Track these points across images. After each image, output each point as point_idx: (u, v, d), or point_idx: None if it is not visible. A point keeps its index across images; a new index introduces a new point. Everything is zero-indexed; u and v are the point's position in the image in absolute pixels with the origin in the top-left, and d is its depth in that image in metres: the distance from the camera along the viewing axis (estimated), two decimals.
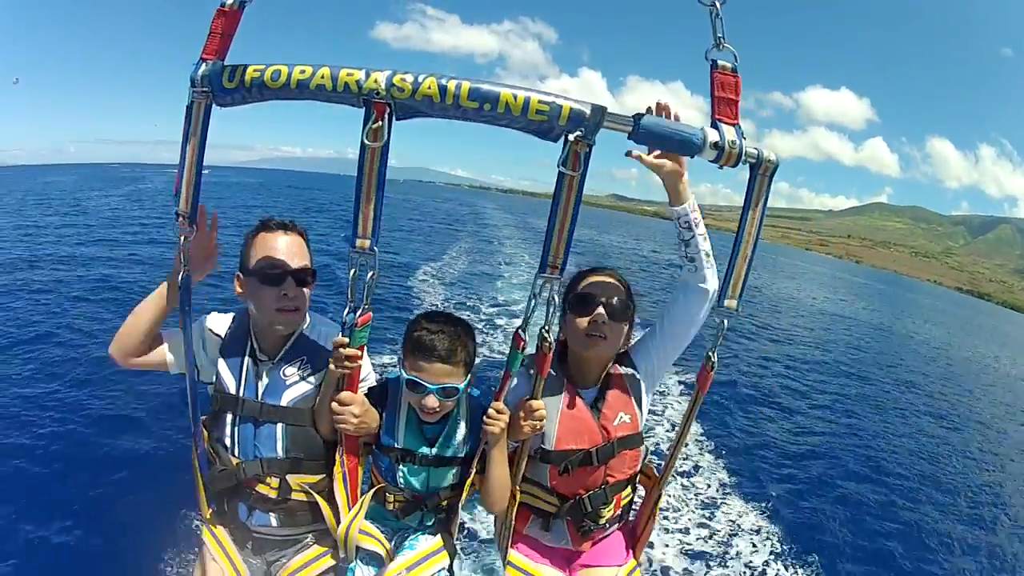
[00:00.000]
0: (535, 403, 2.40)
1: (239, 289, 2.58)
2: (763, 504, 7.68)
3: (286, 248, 2.50)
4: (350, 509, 2.51)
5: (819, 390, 15.35)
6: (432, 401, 2.39)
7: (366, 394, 2.52)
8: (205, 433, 2.63)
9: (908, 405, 16.29)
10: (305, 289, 2.53)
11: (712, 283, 2.44)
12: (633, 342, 2.74)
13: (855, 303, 48.41)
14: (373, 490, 2.62)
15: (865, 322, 35.46)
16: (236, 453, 2.56)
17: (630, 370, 2.67)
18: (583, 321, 2.53)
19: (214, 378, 2.61)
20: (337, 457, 2.49)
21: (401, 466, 2.55)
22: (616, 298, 2.53)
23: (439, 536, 2.68)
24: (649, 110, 2.12)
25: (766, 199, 2.25)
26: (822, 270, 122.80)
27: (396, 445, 2.54)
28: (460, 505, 2.70)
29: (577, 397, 2.61)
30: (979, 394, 20.58)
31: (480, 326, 16.76)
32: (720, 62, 2.13)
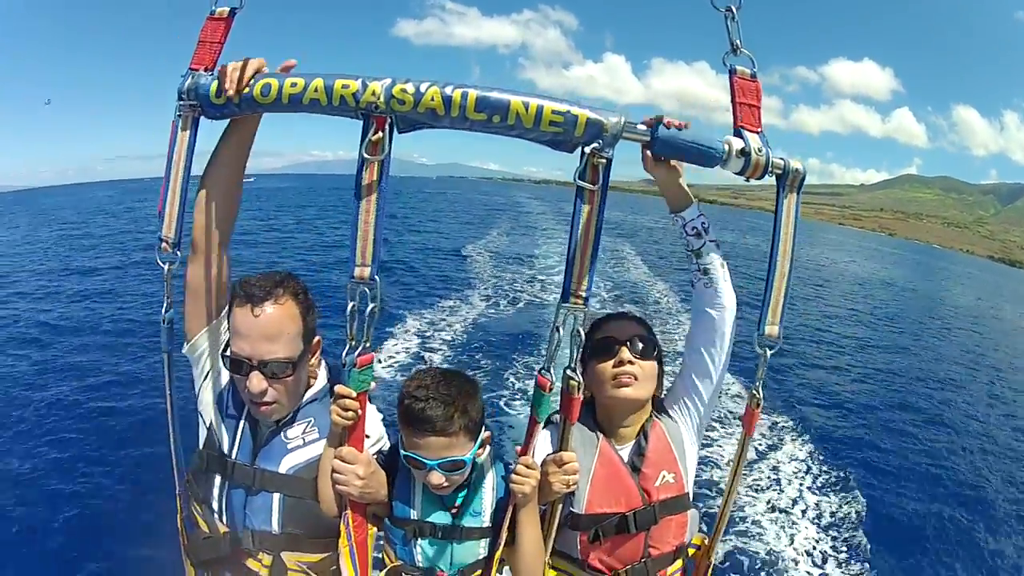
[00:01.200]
0: (566, 455, 2.15)
1: None
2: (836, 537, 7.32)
3: (256, 329, 2.08)
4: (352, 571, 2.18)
5: (866, 371, 16.01)
6: (436, 478, 2.10)
7: (382, 453, 2.35)
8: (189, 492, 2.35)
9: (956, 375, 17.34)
10: (279, 384, 2.15)
11: (731, 295, 2.28)
12: (664, 391, 2.52)
13: (893, 274, 50.91)
14: (386, 571, 2.28)
15: (905, 294, 37.88)
16: (224, 520, 2.26)
17: (670, 421, 2.44)
18: (607, 366, 2.33)
19: (207, 423, 2.31)
20: (342, 529, 2.15)
21: (419, 541, 2.24)
22: (638, 337, 2.36)
23: None
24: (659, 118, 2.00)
25: (797, 211, 2.13)
26: (858, 243, 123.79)
27: (412, 516, 2.23)
28: None
29: (613, 453, 2.38)
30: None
31: (529, 291, 18.58)
32: (739, 68, 2.09)
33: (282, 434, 2.27)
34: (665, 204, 2.29)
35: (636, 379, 2.31)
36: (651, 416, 2.43)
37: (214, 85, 1.95)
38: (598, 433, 2.41)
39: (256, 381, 2.09)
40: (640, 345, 2.35)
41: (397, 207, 47.22)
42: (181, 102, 1.99)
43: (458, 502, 2.26)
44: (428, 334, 13.65)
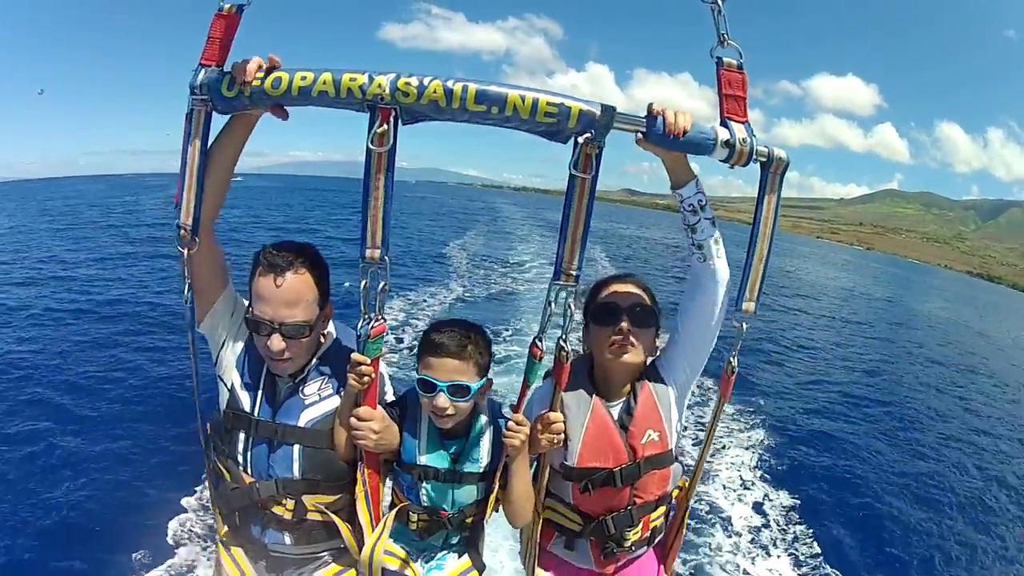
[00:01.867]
0: (552, 415, 2.36)
1: None
2: (789, 504, 8.17)
3: (278, 296, 2.31)
4: (373, 529, 2.45)
5: (834, 373, 16.91)
6: (442, 400, 2.35)
7: (390, 405, 2.54)
8: (213, 448, 2.59)
9: (921, 378, 18.64)
10: (296, 343, 2.37)
11: (724, 271, 2.38)
12: (658, 352, 2.65)
13: (865, 287, 52.22)
14: (395, 509, 2.54)
15: (873, 304, 39.66)
16: (249, 472, 2.48)
17: (659, 383, 2.59)
18: (607, 331, 2.50)
19: (229, 385, 2.50)
20: (358, 476, 2.44)
21: (424, 484, 2.50)
22: (639, 305, 2.52)
23: (467, 555, 2.65)
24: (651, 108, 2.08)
25: (779, 197, 2.27)
26: (833, 256, 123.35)
27: (418, 462, 2.49)
28: (485, 521, 2.66)
29: (604, 412, 2.55)
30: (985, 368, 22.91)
31: (501, 284, 20.50)
32: (725, 59, 2.16)
33: (299, 391, 2.47)
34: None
35: (633, 346, 2.49)
36: (641, 377, 2.60)
37: (226, 79, 2.03)
38: (592, 391, 2.59)
39: (276, 341, 2.32)
40: (640, 314, 2.51)
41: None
42: (194, 97, 2.08)
43: (458, 448, 2.52)
44: (413, 313, 15.42)
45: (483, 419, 2.57)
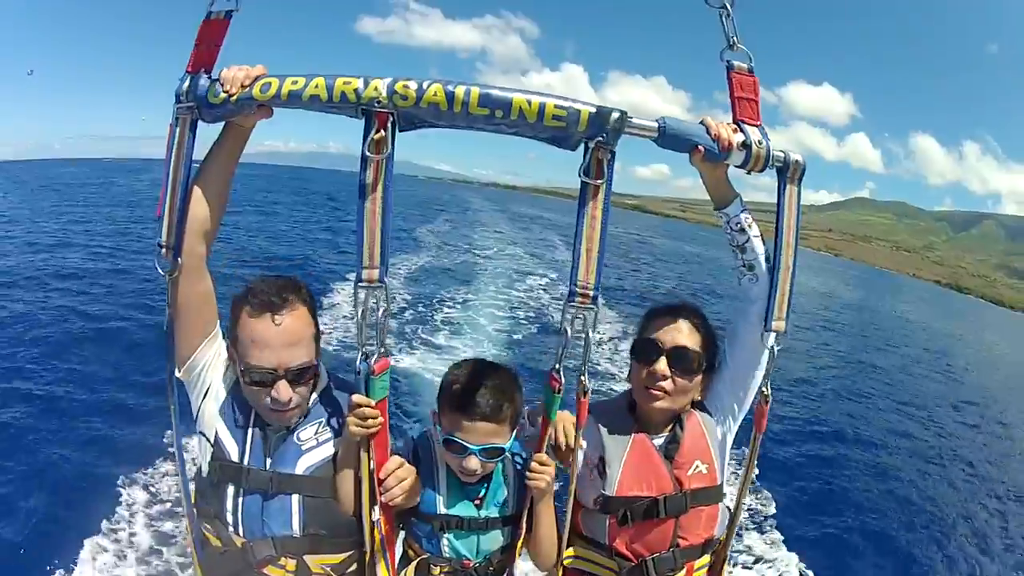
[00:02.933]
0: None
1: (235, 364, 2.24)
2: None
3: (278, 338, 2.12)
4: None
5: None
6: (474, 463, 2.23)
7: (400, 452, 2.37)
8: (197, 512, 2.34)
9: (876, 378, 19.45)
10: (302, 388, 2.22)
11: None
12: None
13: (821, 287, 53.26)
14: (414, 563, 2.39)
15: (835, 306, 40.52)
16: (240, 532, 2.24)
17: (706, 414, 2.48)
18: (643, 371, 2.37)
19: (212, 436, 2.27)
20: (376, 534, 2.23)
21: (446, 534, 2.35)
22: (685, 348, 2.35)
23: None
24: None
25: (799, 203, 2.20)
26: (800, 262, 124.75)
27: (439, 511, 2.34)
28: (513, 569, 2.54)
29: (647, 441, 2.41)
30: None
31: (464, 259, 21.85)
32: (736, 63, 2.12)
33: (294, 436, 2.27)
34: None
35: (668, 394, 2.34)
36: (687, 408, 2.45)
37: (212, 87, 1.95)
38: (633, 424, 2.45)
39: (284, 390, 2.13)
40: (682, 359, 2.34)
41: (339, 204, 50.15)
42: (179, 105, 1.98)
43: (481, 494, 2.37)
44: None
45: (506, 460, 2.40)
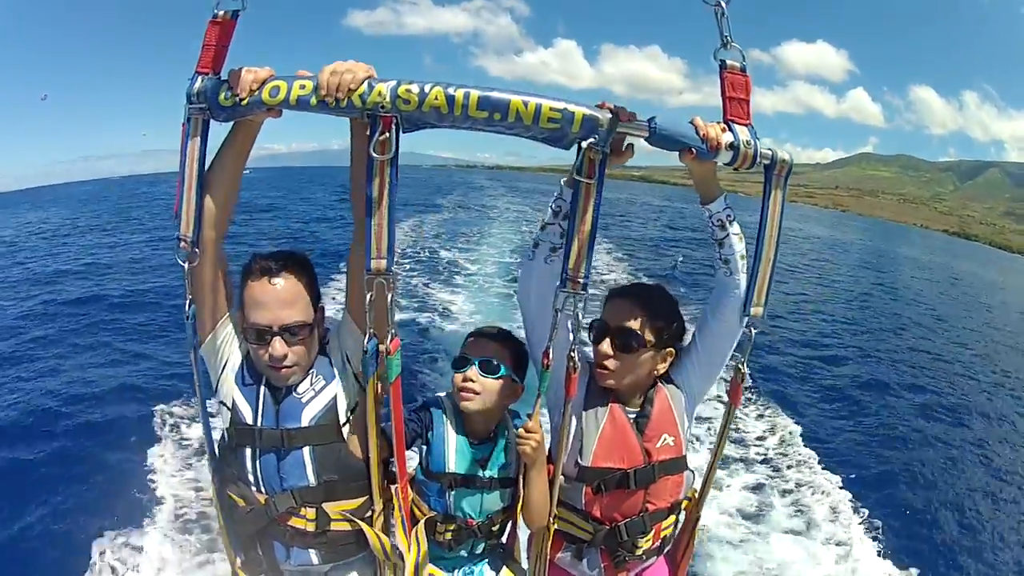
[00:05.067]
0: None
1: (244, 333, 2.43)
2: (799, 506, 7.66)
3: (274, 297, 2.32)
4: (408, 543, 2.43)
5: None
6: (472, 373, 2.48)
7: (414, 412, 2.59)
8: (221, 478, 2.52)
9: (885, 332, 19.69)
10: (299, 346, 2.37)
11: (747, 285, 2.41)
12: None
13: (840, 243, 56.33)
14: (422, 522, 2.52)
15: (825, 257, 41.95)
16: (262, 489, 2.42)
17: (674, 389, 2.64)
18: (593, 350, 2.58)
19: (230, 403, 2.45)
20: (395, 501, 2.45)
21: (452, 492, 2.55)
22: (627, 328, 2.50)
23: (505, 568, 2.77)
24: (652, 120, 2.11)
25: (784, 199, 2.32)
26: (806, 216, 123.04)
27: (447, 470, 2.53)
28: (516, 527, 2.73)
29: (622, 415, 2.57)
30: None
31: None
32: (729, 62, 2.19)
33: (293, 392, 2.42)
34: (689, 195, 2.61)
35: (611, 371, 2.51)
36: (655, 384, 2.62)
37: (223, 88, 2.04)
38: (609, 396, 2.59)
39: (279, 346, 2.31)
40: (623, 339, 2.49)
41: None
42: (191, 105, 2.09)
43: (484, 454, 2.58)
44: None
45: (509, 424, 2.64)
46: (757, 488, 7.98)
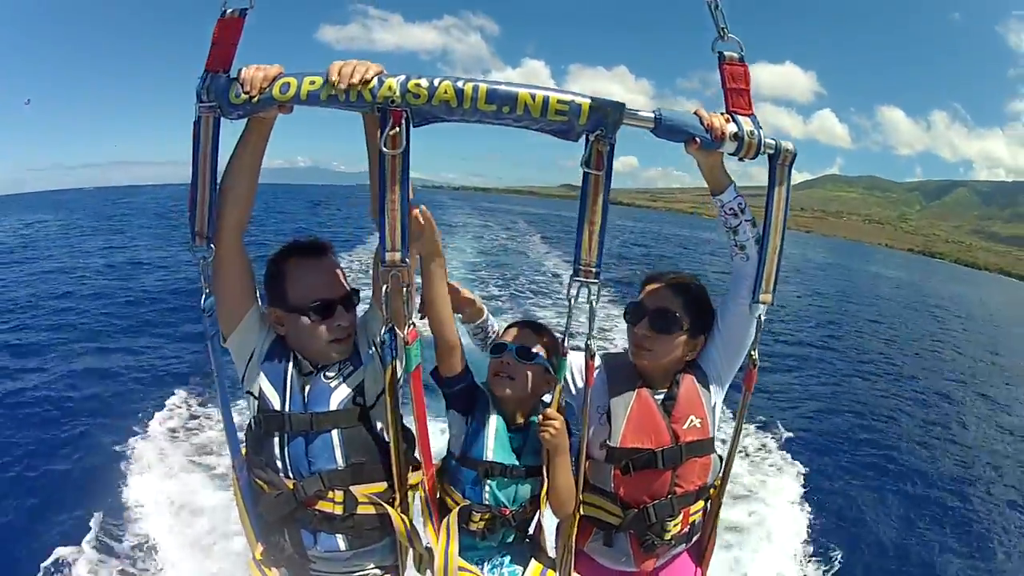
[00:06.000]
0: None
1: (278, 326, 2.47)
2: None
3: (327, 274, 2.43)
4: (436, 532, 2.45)
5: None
6: (507, 357, 2.51)
7: (453, 398, 2.55)
8: (249, 467, 2.50)
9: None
10: (353, 315, 2.48)
11: None
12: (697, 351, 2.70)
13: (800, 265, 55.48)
14: (455, 510, 2.50)
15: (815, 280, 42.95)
16: (290, 474, 2.41)
17: (700, 374, 2.65)
18: (631, 331, 2.62)
19: (257, 392, 2.43)
20: (421, 492, 2.49)
21: (489, 480, 2.50)
22: (665, 309, 2.56)
23: (534, 559, 2.67)
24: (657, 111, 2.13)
25: (788, 188, 2.34)
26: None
27: (485, 457, 2.49)
28: (542, 516, 2.69)
29: (648, 396, 2.59)
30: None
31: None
32: (727, 53, 2.20)
33: (320, 375, 2.44)
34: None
35: (650, 351, 2.57)
36: (683, 368, 2.65)
37: (233, 86, 2.03)
38: (638, 379, 2.63)
39: (343, 315, 2.41)
40: (663, 319, 2.55)
41: (320, 215, 52.69)
42: (201, 104, 2.07)
43: (520, 443, 2.56)
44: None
45: (539, 417, 2.55)
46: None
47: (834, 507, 8.06)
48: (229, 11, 2.05)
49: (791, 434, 9.71)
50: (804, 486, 8.12)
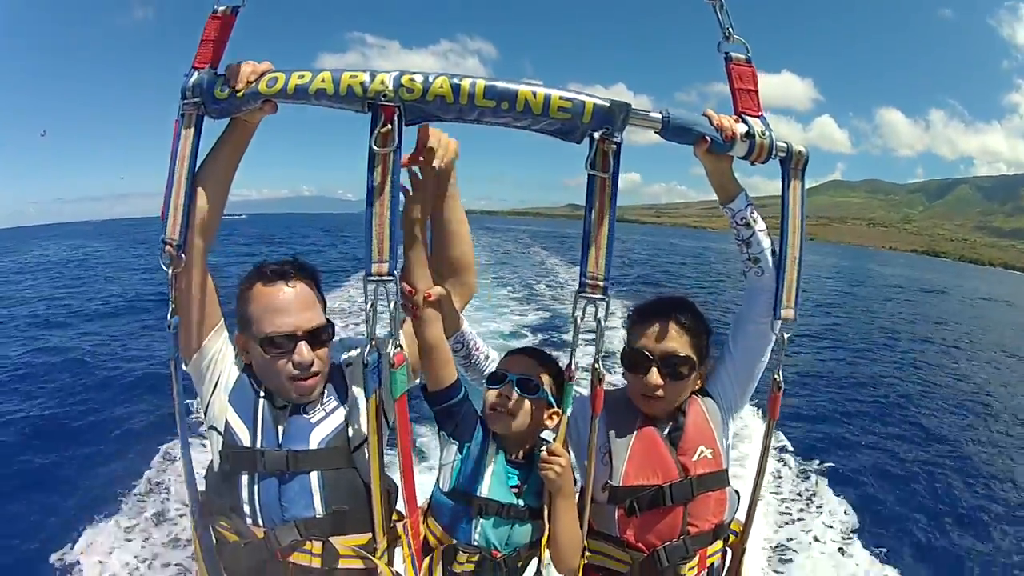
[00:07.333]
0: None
1: (244, 353, 2.25)
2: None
3: (294, 301, 2.17)
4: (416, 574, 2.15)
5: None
6: (508, 389, 2.25)
7: (453, 419, 2.30)
8: (209, 511, 2.21)
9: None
10: (322, 350, 2.19)
11: None
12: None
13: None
14: (440, 549, 2.26)
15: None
16: (260, 521, 2.13)
17: (709, 399, 2.44)
18: (637, 381, 2.35)
19: (222, 426, 2.19)
20: (402, 535, 2.17)
21: (482, 519, 2.25)
22: (675, 354, 2.32)
23: None
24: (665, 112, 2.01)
25: (803, 192, 2.22)
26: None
27: (480, 493, 2.25)
28: (540, 565, 2.40)
29: (652, 430, 2.37)
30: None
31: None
32: (733, 54, 2.13)
33: (302, 411, 2.21)
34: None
35: (663, 398, 2.33)
36: (690, 395, 2.42)
37: (219, 81, 1.94)
38: (638, 413, 2.40)
39: (305, 351, 2.12)
40: (673, 366, 2.31)
41: (326, 243, 52.70)
42: (185, 101, 1.97)
43: (520, 480, 2.31)
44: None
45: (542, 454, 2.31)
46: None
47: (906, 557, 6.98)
48: (221, 9, 2.00)
49: (831, 464, 8.77)
50: (851, 525, 7.24)
